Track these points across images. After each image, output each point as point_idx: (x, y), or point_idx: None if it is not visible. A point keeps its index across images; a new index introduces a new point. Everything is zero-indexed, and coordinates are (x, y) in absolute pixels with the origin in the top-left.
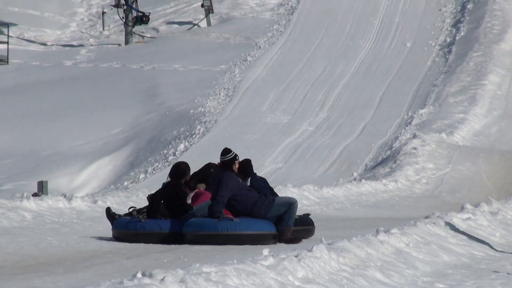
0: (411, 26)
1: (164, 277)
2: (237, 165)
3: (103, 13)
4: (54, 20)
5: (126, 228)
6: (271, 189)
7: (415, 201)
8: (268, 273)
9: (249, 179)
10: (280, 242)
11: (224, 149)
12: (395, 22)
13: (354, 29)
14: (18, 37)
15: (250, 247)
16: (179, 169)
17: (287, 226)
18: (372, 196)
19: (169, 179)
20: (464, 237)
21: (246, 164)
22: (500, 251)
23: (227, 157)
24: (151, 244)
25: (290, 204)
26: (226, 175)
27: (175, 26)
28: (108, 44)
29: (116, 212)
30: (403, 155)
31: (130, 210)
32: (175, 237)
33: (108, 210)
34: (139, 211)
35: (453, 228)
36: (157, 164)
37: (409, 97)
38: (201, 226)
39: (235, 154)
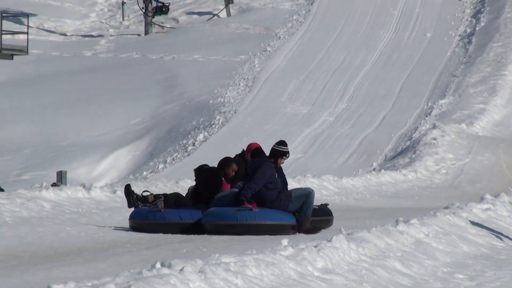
0: (431, 17)
1: (183, 267)
2: (282, 161)
3: (123, 3)
4: (74, 11)
5: (146, 218)
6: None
7: (434, 191)
8: (288, 264)
9: None
10: (299, 232)
11: (283, 140)
12: (415, 13)
13: (374, 19)
14: (38, 28)
15: (270, 237)
16: (224, 159)
17: (306, 216)
18: (391, 186)
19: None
20: (484, 228)
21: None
22: None
23: (282, 147)
24: (170, 234)
25: (307, 194)
26: (268, 164)
27: (195, 16)
28: (127, 34)
29: (135, 192)
30: (422, 146)
31: (145, 194)
32: (195, 227)
33: (128, 187)
34: (156, 196)
35: (473, 218)
36: (176, 154)
37: (429, 88)
38: (221, 216)
39: (289, 151)
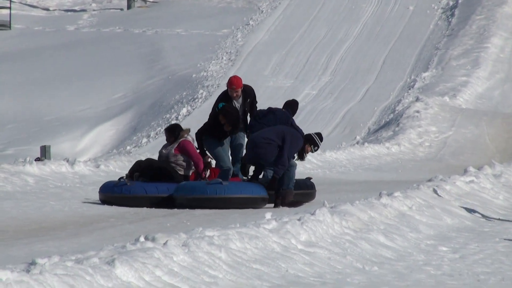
0: None
1: (167, 241)
2: (309, 149)
3: None
4: None
5: (112, 191)
6: None
7: (418, 164)
8: (271, 237)
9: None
10: (282, 205)
11: (321, 136)
12: None
13: None
14: (20, 2)
15: (253, 211)
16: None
17: (288, 189)
18: (375, 159)
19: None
20: (468, 200)
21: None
22: (503, 214)
23: (317, 138)
24: (154, 208)
25: (289, 166)
26: (301, 141)
27: None
28: (110, 9)
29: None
30: (406, 119)
31: (122, 180)
32: (161, 201)
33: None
34: (132, 175)
35: (457, 191)
36: (159, 128)
37: (412, 61)
38: (191, 190)
39: (319, 148)
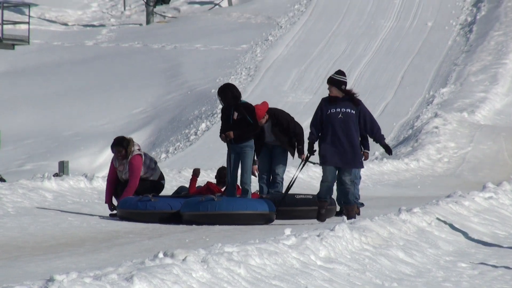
0: (432, 6)
1: (186, 257)
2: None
3: None
4: (75, 0)
5: (136, 207)
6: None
7: (437, 180)
8: (290, 253)
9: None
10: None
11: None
12: (416, 2)
13: (375, 8)
14: (39, 17)
15: (272, 226)
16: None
17: (351, 204)
18: (394, 175)
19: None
20: (487, 216)
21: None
22: None
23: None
24: (172, 224)
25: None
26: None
27: (197, 5)
28: (129, 24)
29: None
30: (424, 134)
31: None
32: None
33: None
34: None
35: (475, 207)
36: (178, 143)
37: (430, 76)
38: (188, 206)
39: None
